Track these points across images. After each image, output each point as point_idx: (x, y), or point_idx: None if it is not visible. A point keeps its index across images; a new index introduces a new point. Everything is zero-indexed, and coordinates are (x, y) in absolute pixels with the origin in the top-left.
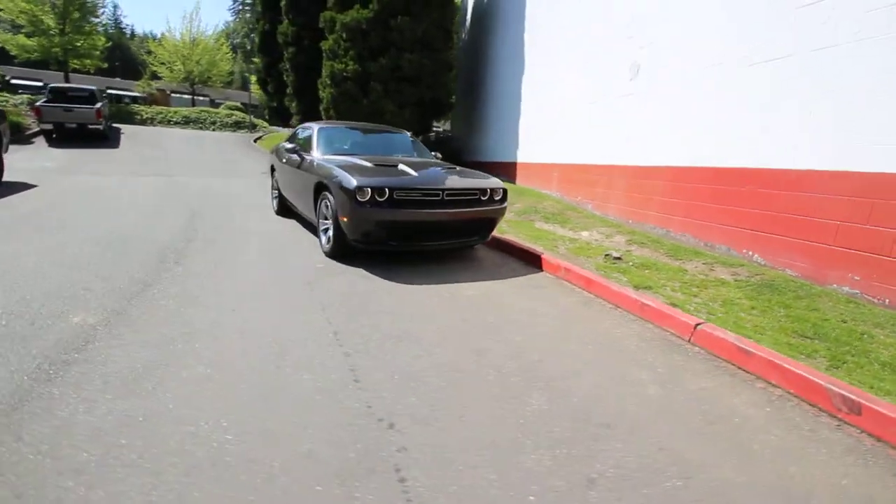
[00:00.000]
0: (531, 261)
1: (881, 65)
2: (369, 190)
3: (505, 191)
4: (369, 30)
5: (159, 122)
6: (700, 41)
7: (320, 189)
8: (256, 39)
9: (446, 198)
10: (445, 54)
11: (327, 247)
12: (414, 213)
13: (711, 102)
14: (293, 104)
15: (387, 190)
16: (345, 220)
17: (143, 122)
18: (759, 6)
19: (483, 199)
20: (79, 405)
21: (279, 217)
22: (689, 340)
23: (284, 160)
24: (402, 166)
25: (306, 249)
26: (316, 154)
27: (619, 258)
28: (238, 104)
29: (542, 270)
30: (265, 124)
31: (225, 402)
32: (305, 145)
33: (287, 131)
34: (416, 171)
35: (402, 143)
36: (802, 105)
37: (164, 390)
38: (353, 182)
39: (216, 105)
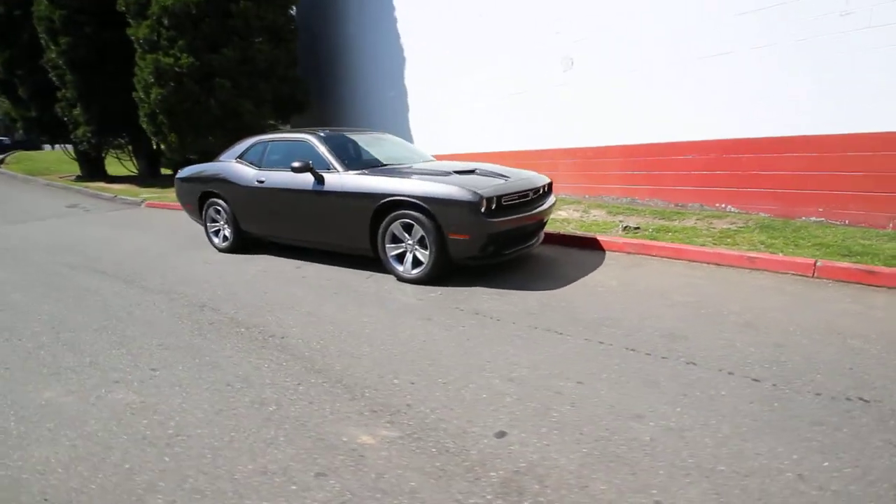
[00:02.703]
0: (585, 245)
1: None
2: (486, 200)
3: (551, 182)
4: (202, 16)
5: None
6: (634, 39)
7: (387, 210)
8: None
9: (533, 197)
10: (294, 45)
11: (417, 272)
12: (519, 217)
13: (671, 89)
14: (75, 112)
15: (496, 198)
16: (464, 237)
17: None
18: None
19: (544, 194)
20: None
21: (238, 255)
22: (813, 275)
23: (260, 183)
24: (478, 170)
25: (367, 283)
26: (342, 171)
27: (637, 228)
28: None
29: (604, 251)
30: None
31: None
32: (307, 163)
33: (37, 150)
34: (490, 174)
35: (403, 146)
36: (761, 88)
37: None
38: (473, 194)
39: None
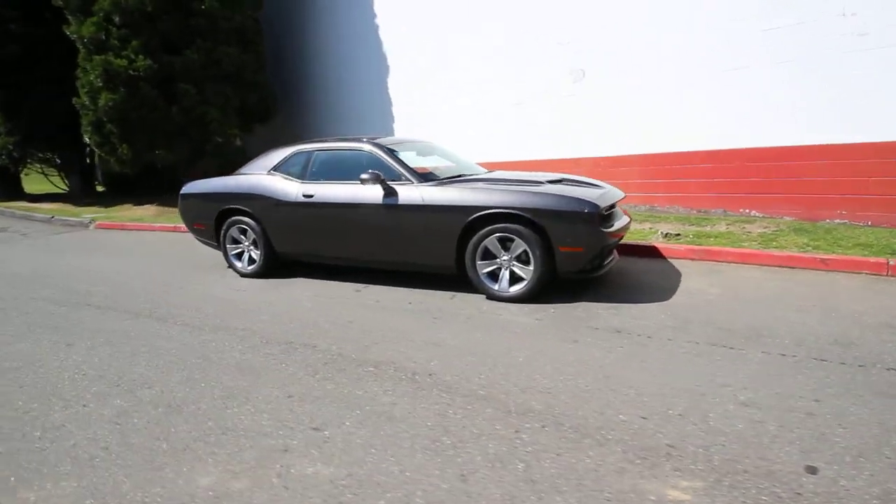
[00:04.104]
0: (643, 253)
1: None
2: (601, 211)
3: None
4: (160, 14)
5: None
6: (650, 52)
7: (480, 225)
8: None
9: (616, 209)
10: (262, 48)
11: (517, 289)
12: (617, 230)
13: (687, 100)
14: None
15: (604, 209)
16: (578, 249)
17: None
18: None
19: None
20: None
21: (268, 280)
22: (887, 274)
23: (308, 198)
24: (565, 179)
25: (459, 304)
26: (416, 183)
27: (678, 235)
28: None
29: (664, 258)
30: None
31: None
32: (378, 175)
33: None
34: (580, 183)
35: (453, 156)
36: (789, 101)
37: None
38: (591, 205)
39: None
